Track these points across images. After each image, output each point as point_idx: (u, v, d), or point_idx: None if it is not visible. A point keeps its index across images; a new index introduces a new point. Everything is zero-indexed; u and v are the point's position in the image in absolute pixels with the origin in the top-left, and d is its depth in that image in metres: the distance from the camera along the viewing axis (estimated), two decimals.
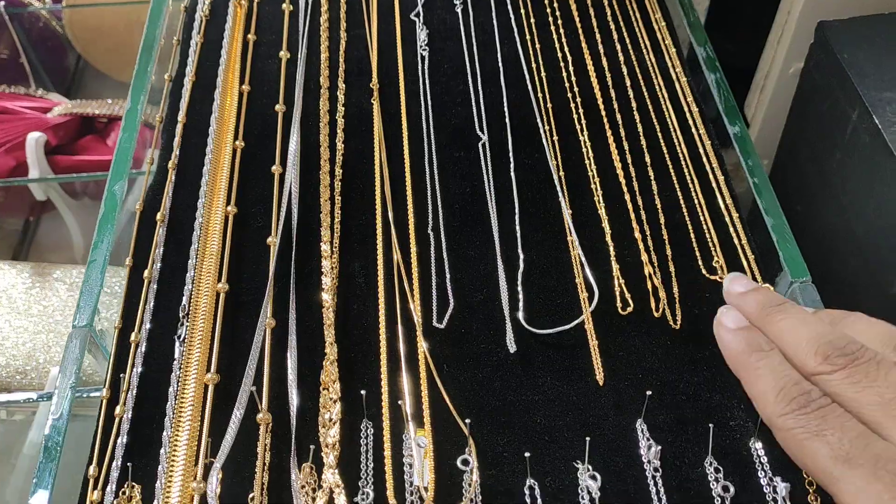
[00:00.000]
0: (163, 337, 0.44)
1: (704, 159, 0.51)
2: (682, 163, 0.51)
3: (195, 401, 0.40)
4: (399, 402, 0.40)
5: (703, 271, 0.46)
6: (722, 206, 0.48)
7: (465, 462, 0.39)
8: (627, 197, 0.49)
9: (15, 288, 0.74)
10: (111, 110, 0.90)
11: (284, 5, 0.61)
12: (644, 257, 0.46)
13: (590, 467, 0.39)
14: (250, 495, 0.38)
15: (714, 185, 0.49)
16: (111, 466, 0.39)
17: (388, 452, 0.39)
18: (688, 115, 0.53)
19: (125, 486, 0.38)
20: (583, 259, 0.45)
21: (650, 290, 0.45)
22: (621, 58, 0.57)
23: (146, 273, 0.46)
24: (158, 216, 0.48)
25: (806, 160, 0.63)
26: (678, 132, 0.52)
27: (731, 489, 0.38)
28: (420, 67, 0.57)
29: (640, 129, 0.52)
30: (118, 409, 0.40)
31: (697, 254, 0.46)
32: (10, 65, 1.09)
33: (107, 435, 0.40)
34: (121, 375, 0.42)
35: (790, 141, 0.67)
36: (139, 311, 0.44)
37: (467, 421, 0.40)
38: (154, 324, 0.44)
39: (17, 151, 0.85)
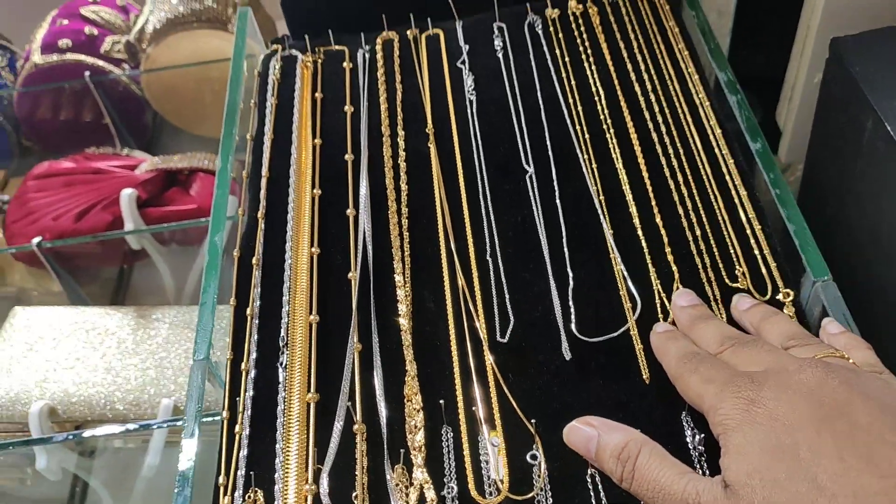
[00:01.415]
0: (266, 364, 0.51)
1: (727, 177, 0.56)
2: (707, 182, 0.56)
3: (300, 417, 0.48)
4: (473, 409, 0.47)
5: (727, 280, 0.51)
6: (744, 218, 0.54)
7: (534, 457, 0.45)
8: (660, 218, 0.55)
9: (122, 330, 0.83)
10: (191, 163, 0.99)
11: (345, 64, 0.68)
12: (674, 269, 0.52)
13: None
14: (353, 494, 0.45)
15: (736, 199, 0.55)
16: (236, 475, 0.46)
17: (466, 452, 0.46)
18: (710, 136, 0.59)
19: (249, 491, 0.46)
20: (625, 273, 0.52)
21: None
22: (649, 86, 0.63)
23: (248, 311, 0.53)
24: (254, 260, 0.56)
25: (832, 167, 0.68)
26: (702, 153, 0.58)
27: None
28: (469, 111, 0.64)
29: (669, 151, 0.58)
30: (237, 428, 0.48)
31: (721, 265, 0.52)
32: (95, 127, 1.20)
33: (229, 450, 0.47)
34: (236, 399, 0.49)
35: (817, 149, 0.71)
36: (245, 343, 0.52)
37: (532, 421, 0.46)
38: (259, 353, 0.52)
39: (113, 207, 0.94)
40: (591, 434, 0.42)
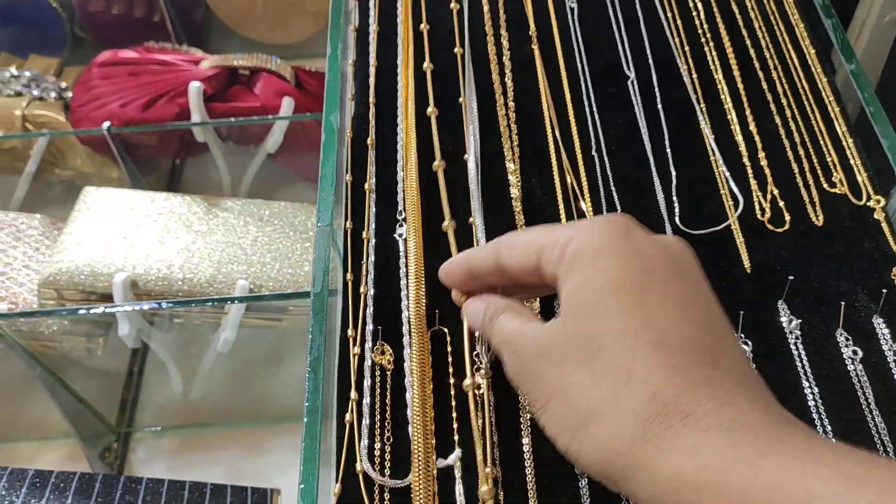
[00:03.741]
0: (385, 235, 0.54)
1: (823, 93, 0.59)
2: (804, 96, 0.59)
3: (418, 279, 0.51)
4: None
5: (825, 185, 0.55)
6: (839, 131, 0.57)
7: None
8: (755, 125, 0.58)
9: (191, 215, 0.86)
10: (255, 62, 1.01)
11: None
12: (767, 172, 0.55)
13: (742, 335, 0.49)
14: (475, 352, 0.48)
15: (832, 113, 0.58)
16: (364, 330, 0.50)
17: None
18: (806, 55, 0.62)
19: (377, 343, 0.49)
20: (727, 174, 0.55)
21: (780, 200, 0.54)
22: (748, 3, 0.65)
23: (366, 185, 0.56)
24: (368, 141, 0.59)
25: None
26: (798, 69, 0.61)
27: (860, 353, 0.48)
28: (570, 18, 0.66)
29: (766, 66, 0.61)
30: (363, 288, 0.51)
31: (819, 171, 0.55)
32: (147, 22, 1.21)
33: (356, 307, 0.51)
34: (361, 263, 0.52)
35: (885, 84, 0.75)
36: (365, 215, 0.55)
37: None
38: (377, 224, 0.55)
39: (180, 99, 0.96)
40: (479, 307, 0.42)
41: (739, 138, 0.57)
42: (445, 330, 0.49)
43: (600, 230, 0.36)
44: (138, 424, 0.89)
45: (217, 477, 0.73)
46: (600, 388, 0.32)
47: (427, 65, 0.62)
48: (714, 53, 0.62)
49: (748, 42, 0.63)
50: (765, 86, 0.60)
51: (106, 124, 0.92)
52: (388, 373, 0.48)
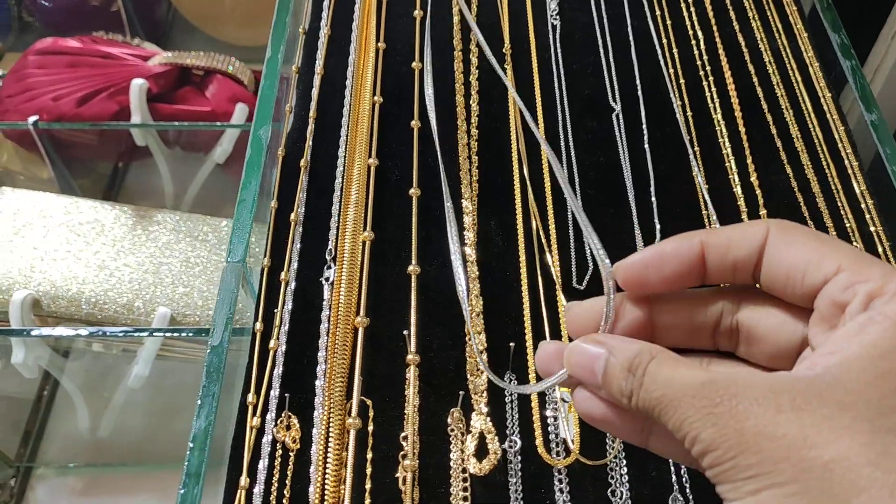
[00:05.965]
0: (309, 278, 0.45)
1: (840, 145, 0.51)
2: (819, 147, 0.51)
3: (345, 340, 0.42)
4: None
5: None
6: (857, 191, 0.49)
7: None
8: (757, 178, 0.50)
9: (119, 227, 0.76)
10: (210, 63, 0.91)
11: None
12: None
13: None
14: (402, 435, 0.39)
15: (849, 170, 0.50)
16: (268, 395, 0.40)
17: (534, 404, 0.40)
18: (821, 99, 0.53)
19: (282, 414, 0.40)
20: None
21: None
22: (757, 35, 0.57)
23: (292, 216, 0.47)
24: (302, 163, 0.49)
25: None
26: (812, 116, 0.53)
27: None
28: (551, 36, 0.57)
29: (776, 108, 0.53)
30: (272, 343, 0.42)
31: (835, 235, 0.47)
32: (104, 12, 1.11)
33: (261, 366, 0.41)
34: (273, 311, 0.43)
35: None
36: (287, 251, 0.46)
37: None
38: (300, 264, 0.45)
39: (120, 96, 0.86)
40: (597, 353, 0.27)
41: (738, 190, 0.49)
42: (369, 402, 0.40)
43: None
44: (41, 459, 0.79)
45: None
46: None
47: (375, 99, 0.53)
48: (714, 89, 0.54)
49: (755, 79, 0.54)
50: (773, 130, 0.52)
51: (33, 118, 0.83)
52: (292, 454, 0.39)
